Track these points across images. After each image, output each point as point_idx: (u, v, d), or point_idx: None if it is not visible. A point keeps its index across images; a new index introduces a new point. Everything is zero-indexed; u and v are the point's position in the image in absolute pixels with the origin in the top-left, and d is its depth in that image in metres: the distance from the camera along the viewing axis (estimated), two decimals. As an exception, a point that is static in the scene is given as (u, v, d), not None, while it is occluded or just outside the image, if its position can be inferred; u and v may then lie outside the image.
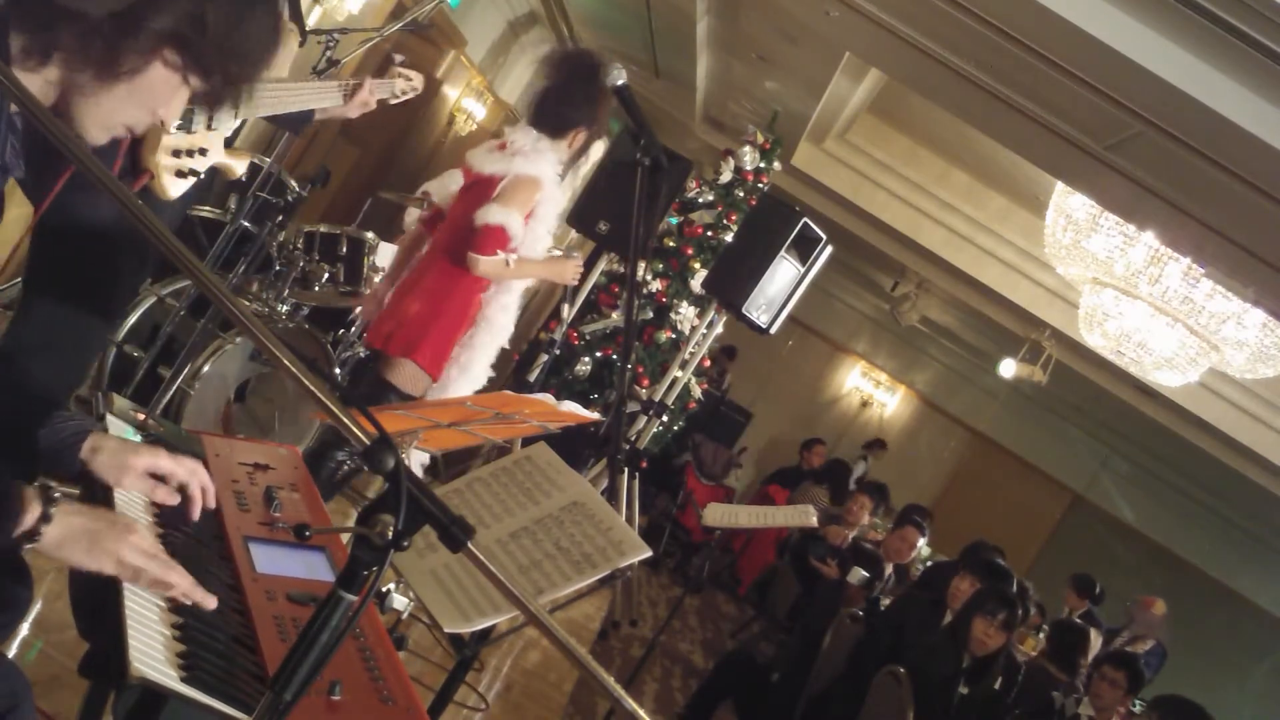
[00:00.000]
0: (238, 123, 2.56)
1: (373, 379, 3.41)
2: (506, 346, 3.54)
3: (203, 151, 2.41)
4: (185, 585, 1.26)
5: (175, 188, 2.36)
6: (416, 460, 3.31)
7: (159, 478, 1.44)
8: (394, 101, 3.19)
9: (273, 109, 2.65)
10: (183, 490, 1.45)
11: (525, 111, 3.43)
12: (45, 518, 1.23)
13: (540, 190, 3.27)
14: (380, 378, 3.37)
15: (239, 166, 2.62)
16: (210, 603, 1.27)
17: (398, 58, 3.26)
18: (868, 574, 5.59)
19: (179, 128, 2.33)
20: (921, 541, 6.45)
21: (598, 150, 3.48)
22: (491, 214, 3.22)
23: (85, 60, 1.30)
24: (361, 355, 4.51)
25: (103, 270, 2.35)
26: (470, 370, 3.38)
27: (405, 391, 3.33)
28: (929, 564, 7.51)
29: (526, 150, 3.29)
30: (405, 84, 3.21)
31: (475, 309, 3.38)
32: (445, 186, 3.61)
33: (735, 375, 11.77)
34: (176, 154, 2.34)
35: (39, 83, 1.32)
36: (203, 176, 2.46)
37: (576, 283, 3.57)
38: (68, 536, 1.24)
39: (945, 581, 6.12)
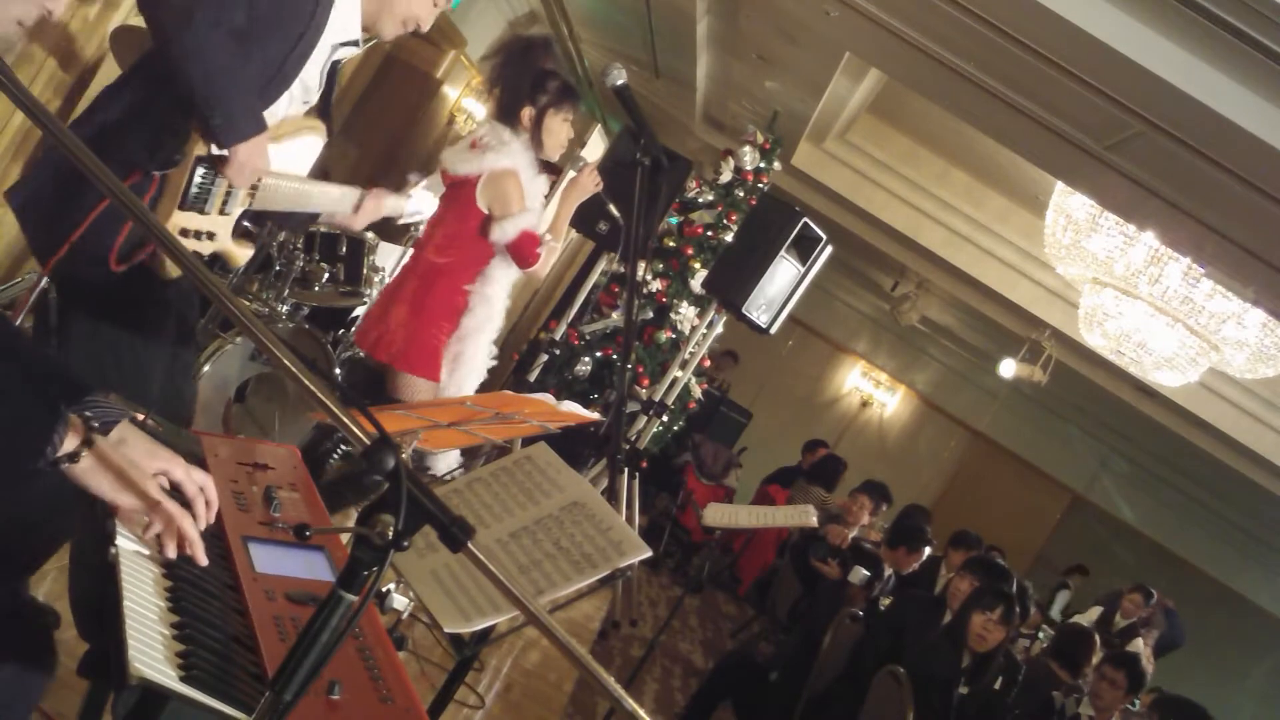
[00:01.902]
0: (245, 208, 2.45)
1: (377, 393, 3.42)
2: (501, 329, 3.53)
3: (210, 235, 2.32)
4: (191, 534, 1.35)
5: (175, 267, 2.27)
6: (446, 461, 3.34)
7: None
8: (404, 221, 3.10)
9: (286, 206, 2.51)
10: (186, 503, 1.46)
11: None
12: (87, 442, 1.29)
13: (519, 178, 3.31)
14: (383, 393, 3.39)
15: (242, 256, 2.49)
16: (203, 560, 1.36)
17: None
18: (868, 573, 5.58)
19: (193, 205, 2.25)
20: (926, 550, 6.39)
21: (564, 126, 3.43)
22: (507, 229, 3.29)
23: None
24: (360, 355, 4.52)
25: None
26: (468, 361, 3.38)
27: (406, 400, 3.35)
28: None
29: (494, 145, 3.33)
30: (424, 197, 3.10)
31: (460, 307, 3.39)
32: (437, 189, 3.59)
33: (735, 375, 11.76)
34: (184, 233, 2.26)
35: None
36: (205, 261, 2.35)
37: (601, 185, 3.53)
38: (100, 466, 1.31)
39: (934, 571, 6.15)
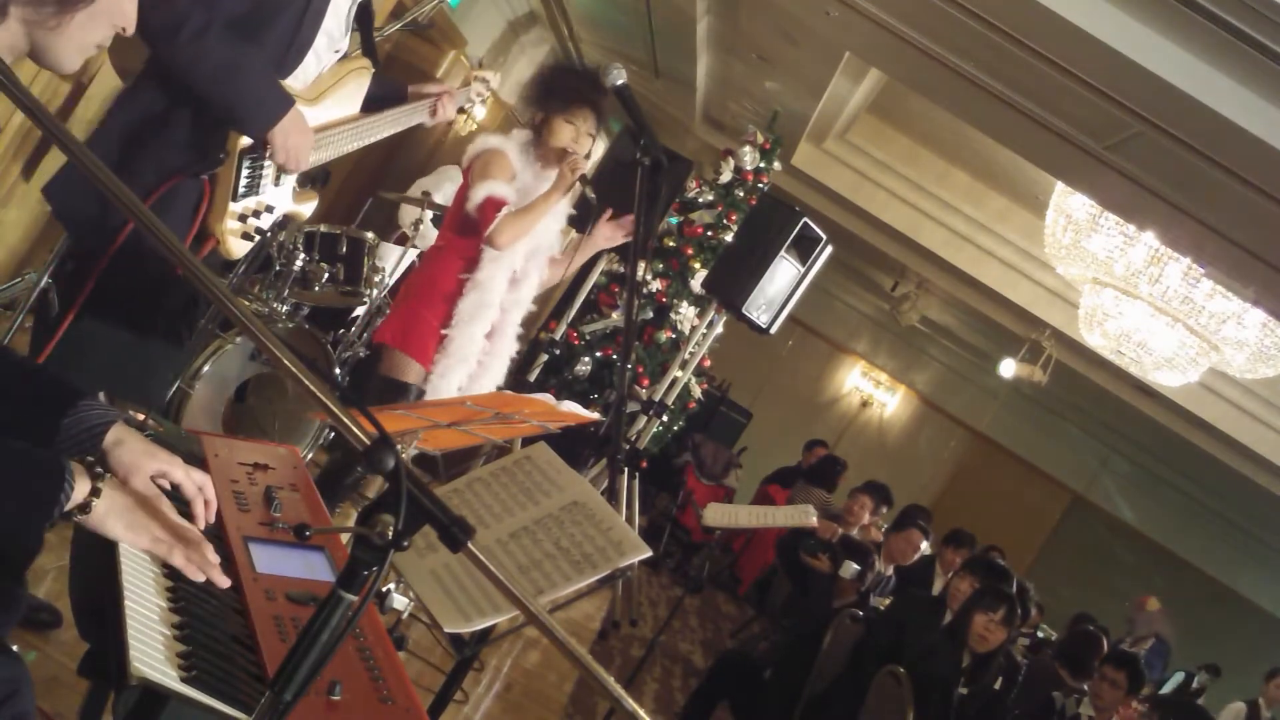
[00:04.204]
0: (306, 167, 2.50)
1: (374, 376, 3.45)
2: (517, 337, 3.54)
3: (269, 208, 2.39)
4: (212, 559, 1.36)
5: (241, 248, 2.37)
6: None
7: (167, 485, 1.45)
8: (470, 106, 3.21)
9: (346, 150, 2.57)
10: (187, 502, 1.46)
11: None
12: (95, 492, 1.30)
13: (507, 157, 3.35)
14: (376, 372, 3.41)
15: (307, 209, 2.58)
16: (224, 582, 1.36)
17: (478, 63, 3.30)
18: (859, 567, 5.57)
19: (246, 192, 2.31)
20: (924, 544, 6.42)
21: (567, 127, 3.44)
22: (477, 193, 3.30)
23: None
24: (362, 355, 4.52)
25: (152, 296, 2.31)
26: (456, 351, 3.35)
27: (393, 377, 3.34)
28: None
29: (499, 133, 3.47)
30: (481, 86, 3.24)
31: (453, 292, 3.37)
32: (440, 184, 3.61)
33: (735, 375, 11.74)
34: (243, 218, 2.33)
35: (5, 38, 1.36)
36: (269, 231, 2.43)
37: (584, 168, 3.51)
38: (112, 510, 1.32)
39: (928, 570, 6.16)
